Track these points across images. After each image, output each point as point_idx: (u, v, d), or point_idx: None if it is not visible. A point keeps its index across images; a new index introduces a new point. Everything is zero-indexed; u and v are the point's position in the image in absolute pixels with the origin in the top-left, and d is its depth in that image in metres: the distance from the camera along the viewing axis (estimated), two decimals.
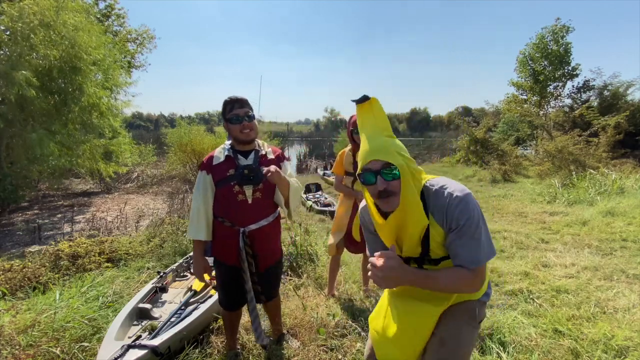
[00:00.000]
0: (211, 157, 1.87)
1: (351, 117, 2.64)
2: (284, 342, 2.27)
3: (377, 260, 1.06)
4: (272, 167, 1.75)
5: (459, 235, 1.08)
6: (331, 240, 2.84)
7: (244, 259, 1.85)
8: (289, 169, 2.05)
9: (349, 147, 2.72)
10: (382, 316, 1.32)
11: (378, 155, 1.06)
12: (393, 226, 1.14)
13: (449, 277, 1.09)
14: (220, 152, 1.87)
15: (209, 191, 1.85)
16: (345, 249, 2.91)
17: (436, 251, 1.16)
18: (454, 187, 1.11)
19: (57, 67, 6.42)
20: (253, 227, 1.86)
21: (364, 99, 1.13)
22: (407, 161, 1.09)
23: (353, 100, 1.15)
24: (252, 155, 1.87)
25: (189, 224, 1.88)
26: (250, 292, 1.91)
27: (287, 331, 2.41)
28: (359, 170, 1.13)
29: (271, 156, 1.95)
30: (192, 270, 3.29)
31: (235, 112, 1.79)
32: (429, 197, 1.12)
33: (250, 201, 1.83)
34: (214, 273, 2.07)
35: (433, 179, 1.16)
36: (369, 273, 1.09)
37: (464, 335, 1.19)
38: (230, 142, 1.91)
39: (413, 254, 1.20)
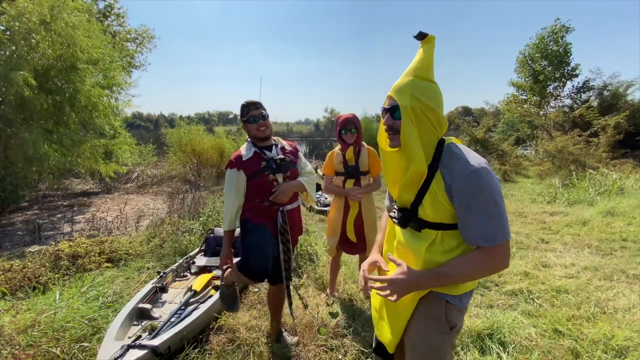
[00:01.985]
0: (240, 156, 2.06)
1: (339, 117, 2.64)
2: (282, 339, 2.27)
3: (389, 276, 1.13)
4: (279, 196, 2.01)
5: (468, 208, 1.03)
6: (328, 243, 2.82)
7: (282, 233, 2.06)
8: (304, 158, 2.28)
9: (339, 146, 2.70)
10: (377, 296, 1.37)
11: (393, 93, 1.13)
12: (396, 161, 1.16)
13: (460, 265, 1.06)
14: (246, 150, 2.08)
15: (242, 186, 2.04)
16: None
17: (427, 209, 1.11)
18: (473, 157, 1.07)
19: (55, 67, 6.40)
20: (289, 207, 2.12)
21: (421, 37, 1.11)
22: (417, 104, 1.06)
23: (414, 36, 1.12)
24: (274, 149, 2.12)
25: (224, 217, 2.08)
26: (286, 263, 2.10)
27: (284, 329, 2.42)
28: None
29: (289, 148, 2.20)
30: (192, 270, 3.29)
31: (252, 113, 2.03)
32: (444, 154, 1.10)
33: None
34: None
35: (461, 144, 1.14)
36: (373, 286, 1.15)
37: (431, 343, 1.17)
38: (250, 140, 2.12)
39: (405, 202, 1.19)
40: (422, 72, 1.09)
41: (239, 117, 2.13)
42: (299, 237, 2.34)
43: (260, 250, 2.00)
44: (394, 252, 1.30)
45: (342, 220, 2.68)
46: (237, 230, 2.15)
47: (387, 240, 1.38)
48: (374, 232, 2.62)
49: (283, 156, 2.06)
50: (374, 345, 1.44)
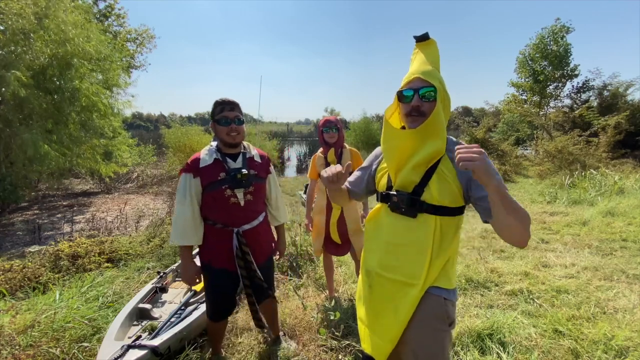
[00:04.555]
0: (197, 159, 1.80)
1: (320, 120, 2.65)
2: (282, 343, 2.27)
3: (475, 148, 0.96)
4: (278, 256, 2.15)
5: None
6: (314, 245, 2.81)
7: (240, 257, 1.85)
8: (274, 173, 2.10)
9: (320, 150, 2.70)
10: (362, 301, 1.33)
11: (422, 75, 1.13)
12: (408, 141, 1.15)
13: (520, 207, 1.00)
14: (207, 155, 1.81)
15: (197, 195, 1.79)
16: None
17: (433, 190, 1.14)
18: None
19: (52, 65, 6.37)
20: (247, 227, 1.88)
21: (423, 38, 1.19)
22: (444, 92, 1.15)
23: (415, 37, 1.21)
24: (240, 158, 1.87)
25: (173, 229, 1.79)
26: (248, 289, 1.91)
27: (284, 333, 2.41)
28: (400, 88, 1.19)
29: (258, 159, 1.97)
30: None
31: (225, 114, 1.78)
32: (448, 144, 1.19)
33: (242, 204, 1.84)
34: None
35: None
36: (465, 155, 0.94)
37: (436, 344, 1.16)
38: (216, 143, 1.87)
39: (406, 186, 1.19)
40: (438, 65, 1.18)
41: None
42: (275, 254, 2.16)
43: (214, 291, 1.90)
44: (382, 256, 1.25)
45: (325, 222, 2.68)
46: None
47: (369, 250, 1.33)
48: (357, 234, 2.61)
49: (246, 171, 1.81)
50: None
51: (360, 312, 1.34)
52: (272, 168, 2.06)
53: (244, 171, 1.80)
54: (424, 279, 1.16)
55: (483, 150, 0.95)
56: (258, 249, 1.95)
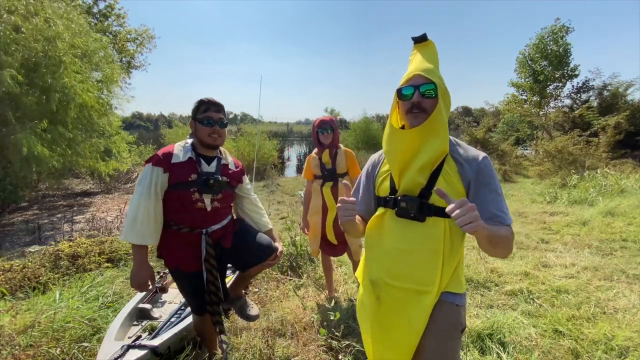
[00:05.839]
0: (169, 154, 1.69)
1: (316, 120, 2.64)
2: (246, 308, 2.09)
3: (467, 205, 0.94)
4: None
5: (493, 191, 1.11)
6: (311, 245, 2.81)
7: (207, 261, 1.76)
8: (248, 181, 2.04)
9: (315, 150, 2.69)
10: (366, 314, 1.26)
11: (423, 72, 1.13)
12: (410, 141, 1.13)
13: (501, 232, 1.05)
14: (180, 151, 1.72)
15: (160, 190, 1.67)
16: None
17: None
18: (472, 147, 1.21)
19: (42, 63, 6.30)
20: (217, 227, 1.81)
21: (422, 39, 1.19)
22: (444, 89, 1.14)
23: (413, 38, 1.20)
24: (214, 163, 1.79)
25: (129, 225, 1.61)
26: (213, 295, 1.80)
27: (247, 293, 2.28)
28: (399, 86, 1.18)
29: (232, 167, 1.90)
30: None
31: (210, 114, 1.73)
32: (450, 144, 1.17)
33: (209, 209, 1.76)
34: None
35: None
36: (459, 212, 0.92)
37: (450, 353, 1.14)
38: (191, 141, 1.79)
39: (413, 189, 1.15)
40: (437, 65, 1.17)
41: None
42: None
43: (193, 293, 1.83)
44: (390, 265, 1.19)
45: (321, 223, 2.67)
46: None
47: (373, 259, 1.27)
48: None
49: (220, 177, 1.74)
50: None
51: (365, 326, 1.26)
52: (246, 177, 1.99)
53: (219, 178, 1.74)
54: (438, 285, 1.12)
55: (473, 205, 0.93)
56: (225, 238, 1.87)
